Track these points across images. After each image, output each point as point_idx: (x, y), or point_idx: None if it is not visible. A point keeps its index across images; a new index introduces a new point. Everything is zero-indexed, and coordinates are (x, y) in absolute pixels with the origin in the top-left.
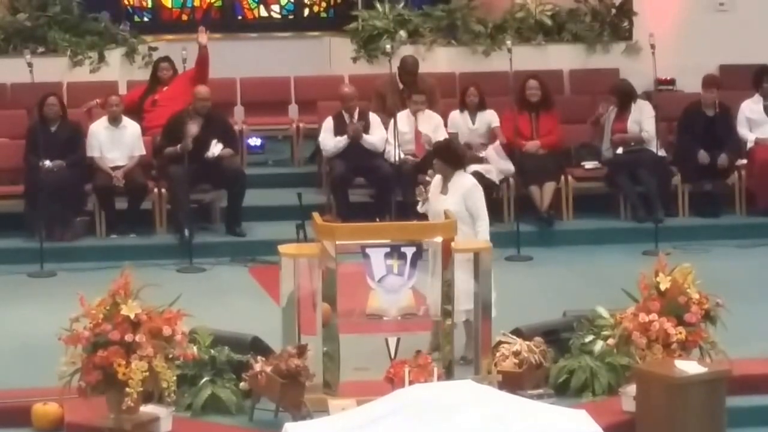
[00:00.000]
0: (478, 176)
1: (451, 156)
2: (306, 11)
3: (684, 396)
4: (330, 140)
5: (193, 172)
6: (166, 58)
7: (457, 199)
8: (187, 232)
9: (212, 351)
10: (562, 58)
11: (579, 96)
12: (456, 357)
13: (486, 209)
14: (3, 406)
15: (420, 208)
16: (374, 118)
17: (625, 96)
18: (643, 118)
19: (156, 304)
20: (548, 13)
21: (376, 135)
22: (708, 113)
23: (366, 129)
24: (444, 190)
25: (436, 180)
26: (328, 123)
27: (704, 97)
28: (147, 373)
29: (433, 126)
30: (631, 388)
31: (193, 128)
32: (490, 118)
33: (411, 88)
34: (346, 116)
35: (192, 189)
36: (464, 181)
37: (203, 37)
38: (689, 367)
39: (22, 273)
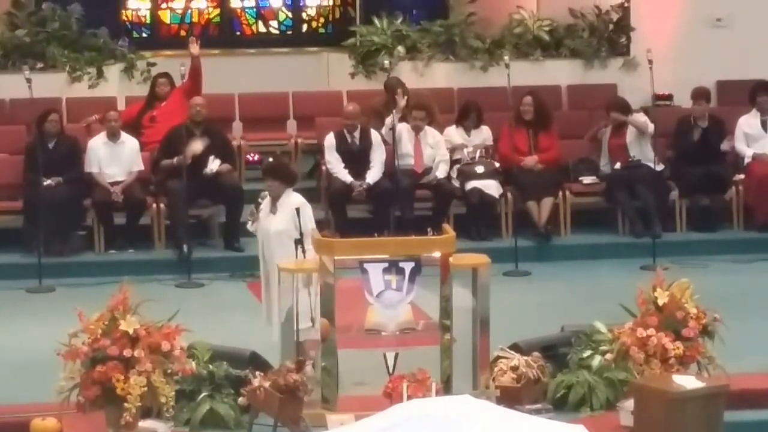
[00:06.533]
0: (478, 192)
1: (286, 174)
2: (304, 27)
3: (682, 411)
4: (338, 166)
5: (191, 187)
6: (165, 74)
7: (286, 218)
8: (185, 248)
9: (211, 366)
10: (560, 73)
11: (577, 111)
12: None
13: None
14: (2, 421)
15: (250, 227)
16: (375, 137)
17: (621, 113)
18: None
19: (155, 320)
20: (546, 28)
21: (375, 167)
22: (701, 125)
23: (367, 149)
24: (273, 209)
25: (266, 200)
26: (330, 140)
27: (695, 110)
28: (145, 388)
29: (433, 143)
30: (629, 403)
31: (197, 146)
32: (485, 135)
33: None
34: (347, 133)
35: (190, 204)
36: (293, 200)
37: (194, 47)
38: (687, 381)
39: (21, 288)
